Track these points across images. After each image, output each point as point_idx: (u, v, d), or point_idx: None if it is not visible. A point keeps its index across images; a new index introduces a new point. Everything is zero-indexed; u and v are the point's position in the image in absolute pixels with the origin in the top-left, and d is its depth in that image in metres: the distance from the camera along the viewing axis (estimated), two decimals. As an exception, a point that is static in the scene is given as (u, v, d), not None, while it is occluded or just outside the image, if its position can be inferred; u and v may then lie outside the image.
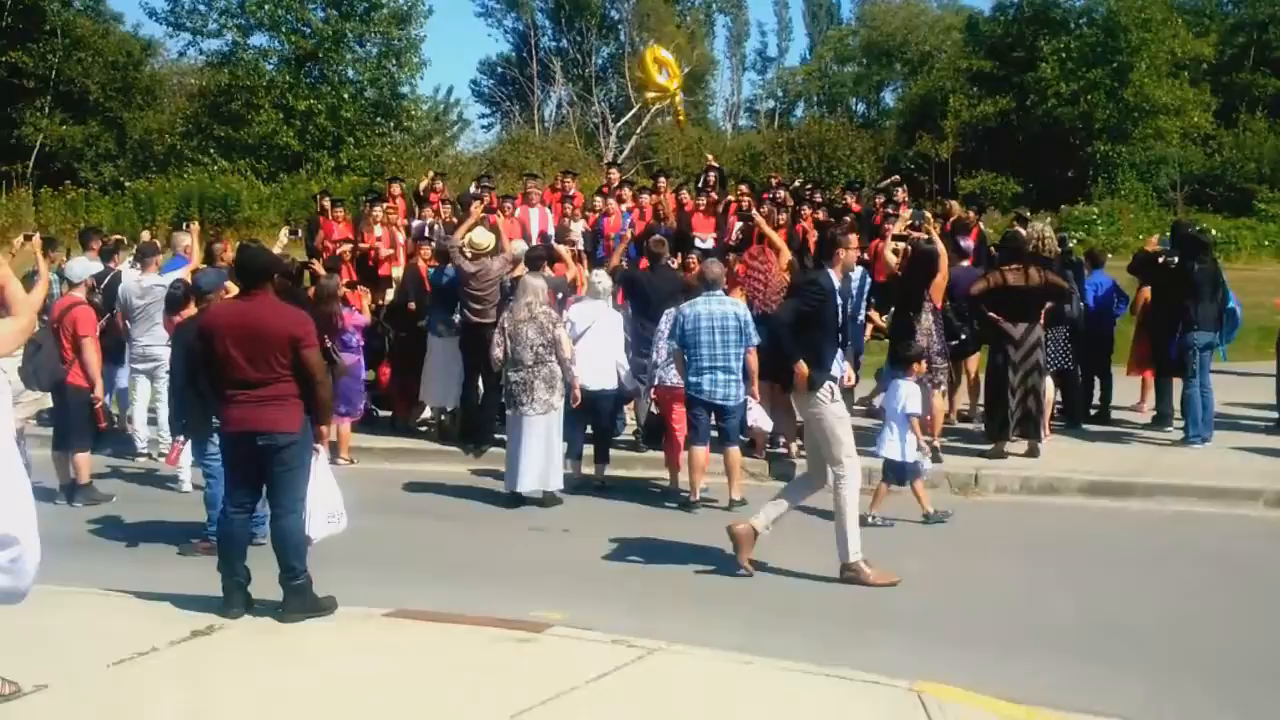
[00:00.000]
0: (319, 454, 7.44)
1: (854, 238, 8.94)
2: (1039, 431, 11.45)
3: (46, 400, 10.74)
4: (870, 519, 9.39)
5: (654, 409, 11.63)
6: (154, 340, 11.80)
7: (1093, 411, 13.20)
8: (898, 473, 9.80)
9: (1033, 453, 11.34)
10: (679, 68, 23.14)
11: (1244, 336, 13.50)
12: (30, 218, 32.07)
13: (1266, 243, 32.82)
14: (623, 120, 49.60)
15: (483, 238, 12.41)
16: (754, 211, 14.94)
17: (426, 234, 15.06)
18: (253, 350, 7.02)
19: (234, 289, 8.97)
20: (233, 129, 40.00)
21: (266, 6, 41.00)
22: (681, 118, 26.56)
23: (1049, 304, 11.48)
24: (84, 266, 11.74)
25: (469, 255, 12.25)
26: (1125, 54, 41.45)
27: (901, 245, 12.44)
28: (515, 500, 10.42)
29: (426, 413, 13.35)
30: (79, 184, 37.00)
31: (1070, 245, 14.71)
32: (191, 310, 9.47)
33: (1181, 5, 46.84)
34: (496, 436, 12.03)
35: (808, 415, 8.32)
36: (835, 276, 8.36)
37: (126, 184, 37.21)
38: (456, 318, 12.48)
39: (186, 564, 8.62)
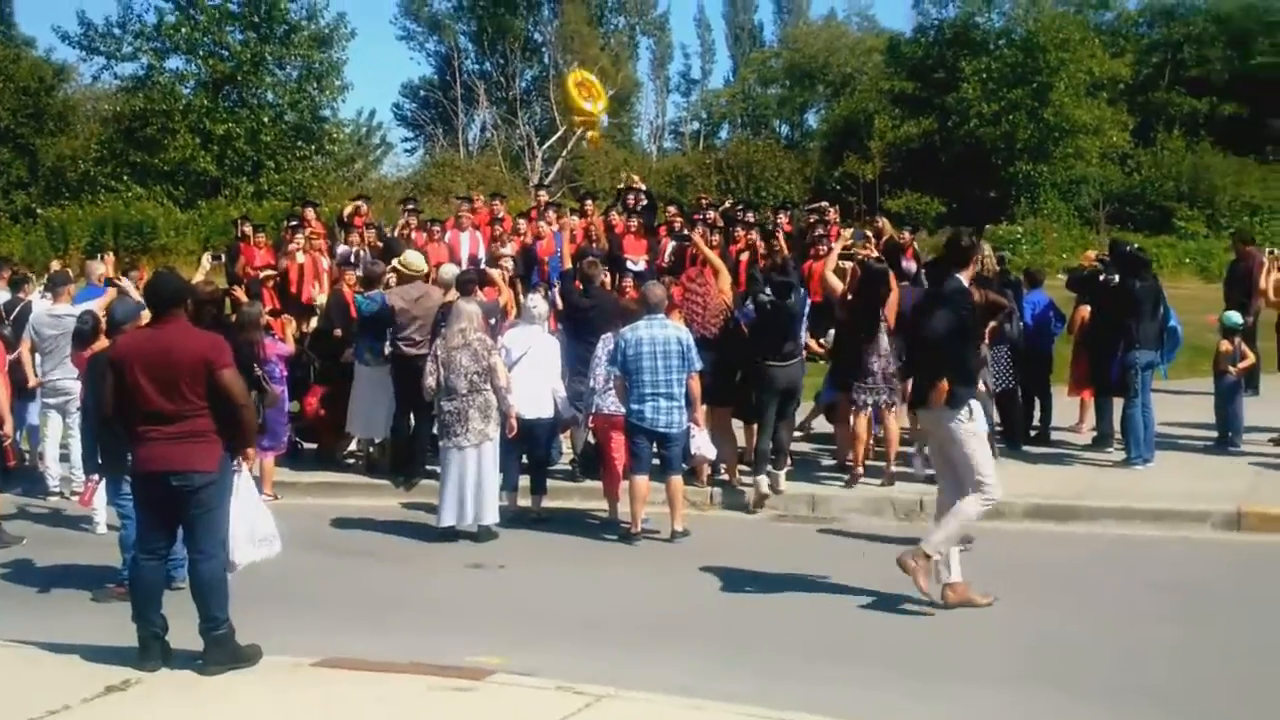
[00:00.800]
0: (241, 472, 7.05)
1: (987, 245, 8.67)
2: None
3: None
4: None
5: (591, 438, 11.29)
6: (66, 374, 11.22)
7: (1032, 432, 13.08)
8: None
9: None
10: (604, 90, 22.99)
11: (1173, 354, 13.48)
12: (-63, 248, 31.07)
13: (1187, 260, 33.18)
14: (548, 143, 49.34)
15: (417, 260, 12.09)
16: (691, 233, 14.73)
17: (352, 260, 14.66)
18: (164, 378, 6.60)
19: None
20: (148, 154, 38.96)
21: (184, 30, 40.13)
22: (594, 137, 26.35)
23: (991, 323, 11.32)
24: (-12, 298, 11.15)
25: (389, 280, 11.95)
26: (1044, 74, 41.81)
27: (848, 265, 12.24)
28: (449, 535, 10.05)
29: (354, 444, 12.90)
30: (-11, 213, 36.00)
31: (1007, 263, 14.61)
32: (103, 343, 8.98)
33: (1098, 26, 47.49)
34: (428, 468, 11.64)
35: (942, 434, 8.07)
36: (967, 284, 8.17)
37: (39, 211, 36.17)
38: (386, 346, 12.07)
39: (101, 611, 8.14)
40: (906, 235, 17.18)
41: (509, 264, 14.84)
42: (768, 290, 11.08)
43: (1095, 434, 12.80)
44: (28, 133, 41.02)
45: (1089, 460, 12.17)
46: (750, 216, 18.78)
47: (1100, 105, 43.09)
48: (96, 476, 8.82)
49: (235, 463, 7.02)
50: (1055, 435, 13.10)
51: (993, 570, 8.91)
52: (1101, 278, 12.29)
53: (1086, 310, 12.89)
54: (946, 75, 44.54)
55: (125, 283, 11.60)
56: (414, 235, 16.83)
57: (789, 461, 11.38)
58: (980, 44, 44.92)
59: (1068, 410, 13.44)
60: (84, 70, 45.37)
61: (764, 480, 10.84)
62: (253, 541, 7.02)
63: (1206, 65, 46.64)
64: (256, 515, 7.08)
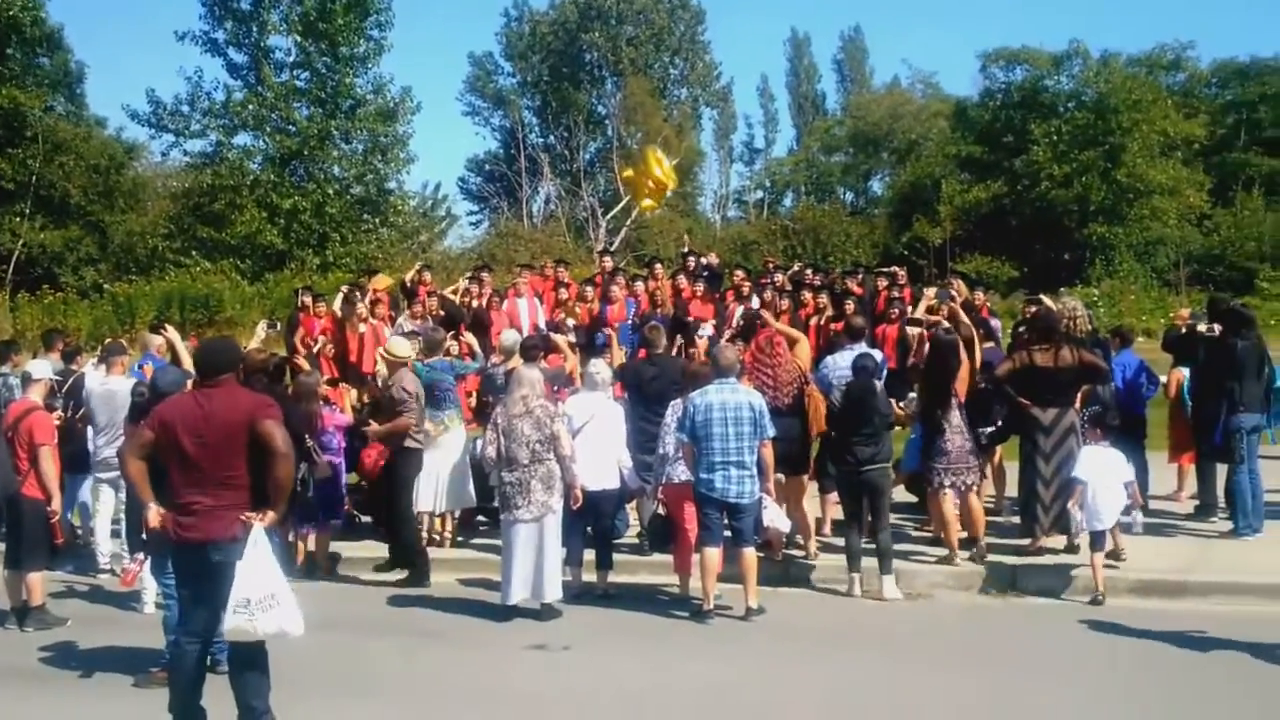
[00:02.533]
0: (250, 530, 6.35)
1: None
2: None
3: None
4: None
5: (660, 509, 10.70)
6: (119, 448, 10.86)
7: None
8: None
9: (1071, 548, 10.43)
10: (672, 172, 22.87)
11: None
12: (6, 323, 31.29)
13: (1273, 322, 32.13)
14: (611, 213, 49.29)
15: (399, 346, 11.17)
16: (759, 307, 14.19)
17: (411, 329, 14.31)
18: (208, 441, 6.26)
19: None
20: (215, 229, 39.37)
21: (251, 106, 40.61)
22: (648, 205, 25.98)
23: (1084, 386, 10.68)
24: (44, 367, 10.78)
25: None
26: (1117, 135, 41.28)
27: (917, 330, 11.61)
28: (510, 613, 9.47)
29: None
30: (59, 289, 36.27)
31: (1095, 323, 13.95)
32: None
33: (1170, 87, 46.86)
34: (488, 543, 11.10)
35: None
36: None
37: (106, 287, 36.49)
38: (444, 414, 11.61)
39: (142, 697, 7.65)
40: (980, 295, 16.53)
41: (570, 332, 14.45)
42: (839, 391, 10.43)
43: (1197, 503, 12.05)
44: (98, 210, 41.62)
45: (1193, 531, 11.40)
46: (818, 279, 18.27)
47: (1175, 166, 42.40)
48: (141, 556, 8.38)
49: (249, 516, 6.37)
50: (1153, 504, 12.34)
51: (1101, 656, 8.24)
52: (1202, 327, 11.58)
53: (1183, 373, 12.22)
54: (1015, 139, 44.17)
55: (171, 332, 11.31)
56: (477, 302, 16.58)
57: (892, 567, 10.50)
58: (1049, 107, 44.54)
59: (1165, 478, 12.69)
60: (153, 148, 46.13)
61: (857, 579, 10.02)
62: (247, 609, 6.22)
63: (1285, 124, 45.83)
64: (262, 580, 6.31)
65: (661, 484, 10.16)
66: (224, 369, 6.62)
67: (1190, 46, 48.68)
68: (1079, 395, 10.74)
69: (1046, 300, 12.74)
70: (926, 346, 11.18)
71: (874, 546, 10.02)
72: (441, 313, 15.65)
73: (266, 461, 6.33)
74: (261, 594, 6.23)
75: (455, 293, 17.05)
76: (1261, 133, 46.47)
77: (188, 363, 11.20)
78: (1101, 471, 9.72)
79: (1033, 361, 10.53)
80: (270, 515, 6.45)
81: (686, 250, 21.00)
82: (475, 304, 16.71)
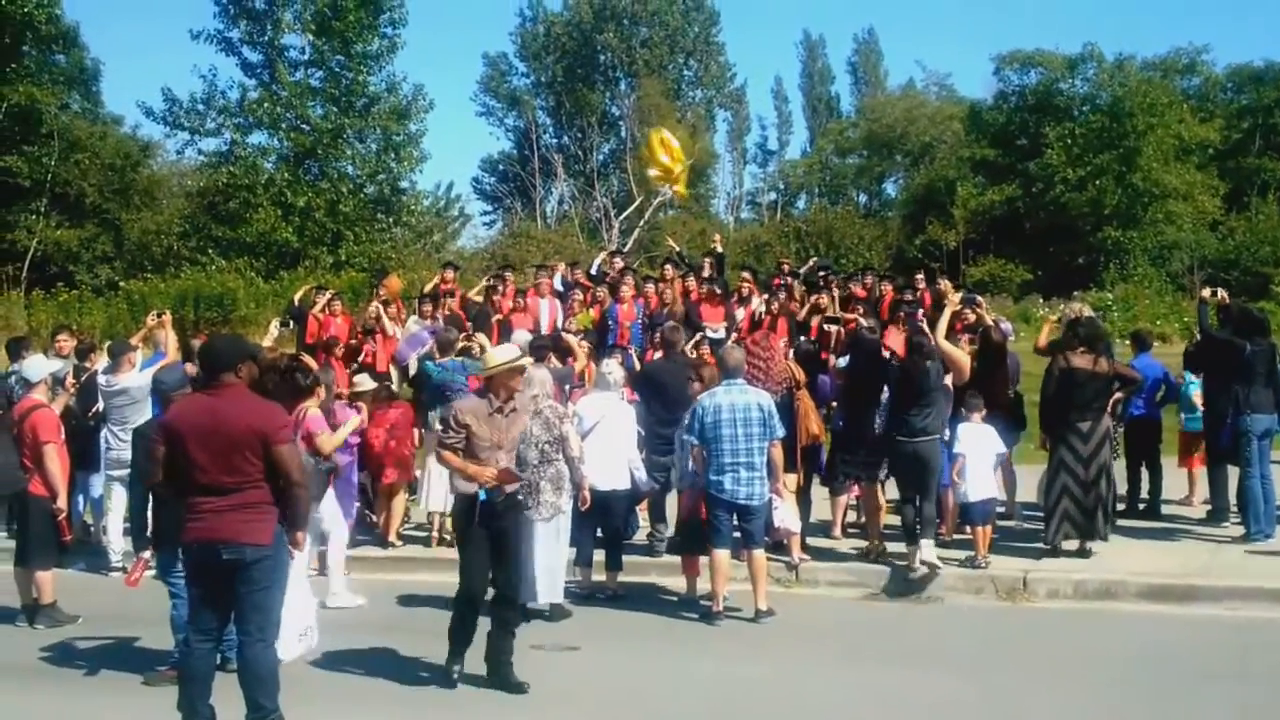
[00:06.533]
0: (294, 561, 6.62)
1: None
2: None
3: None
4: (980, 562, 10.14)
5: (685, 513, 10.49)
6: (130, 444, 10.85)
7: (1140, 505, 12.29)
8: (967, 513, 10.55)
9: (1083, 553, 10.39)
10: (682, 153, 22.75)
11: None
12: (21, 321, 31.28)
13: (1288, 327, 32.01)
14: (625, 214, 49.23)
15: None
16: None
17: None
18: (217, 450, 6.21)
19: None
20: (230, 228, 39.35)
21: (266, 105, 40.61)
22: (680, 191, 25.96)
23: (1117, 395, 10.85)
24: (42, 365, 10.70)
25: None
26: (1131, 139, 41.17)
27: (836, 328, 11.69)
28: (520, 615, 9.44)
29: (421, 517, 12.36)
30: (74, 286, 36.30)
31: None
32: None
33: (1185, 91, 46.71)
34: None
35: None
36: None
37: (121, 285, 36.49)
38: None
39: (151, 695, 7.64)
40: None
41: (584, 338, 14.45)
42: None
43: (1210, 508, 11.99)
44: (114, 208, 41.62)
45: (1204, 536, 11.35)
46: (835, 285, 18.12)
47: (1190, 170, 42.26)
48: (146, 556, 8.37)
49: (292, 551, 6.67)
50: (1165, 509, 12.30)
51: (1111, 661, 8.19)
52: (1206, 293, 11.97)
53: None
54: (1029, 142, 44.09)
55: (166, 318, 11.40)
56: (500, 303, 16.65)
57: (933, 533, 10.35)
58: (1064, 109, 44.48)
59: (1178, 483, 12.66)
60: (169, 146, 46.10)
61: (922, 550, 10.02)
62: (298, 638, 6.55)
63: (1300, 130, 45.63)
64: (303, 606, 6.63)
65: (689, 488, 10.00)
66: (227, 367, 6.50)
67: (1205, 50, 48.65)
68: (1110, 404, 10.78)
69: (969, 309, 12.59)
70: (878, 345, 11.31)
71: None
72: (463, 312, 15.83)
73: (283, 487, 6.34)
74: (310, 617, 7.09)
75: (479, 293, 17.18)
76: (1276, 137, 46.20)
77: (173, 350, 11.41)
78: (976, 445, 10.45)
79: (1070, 364, 10.51)
80: (299, 539, 6.65)
81: (709, 250, 20.70)
82: (499, 300, 16.77)
